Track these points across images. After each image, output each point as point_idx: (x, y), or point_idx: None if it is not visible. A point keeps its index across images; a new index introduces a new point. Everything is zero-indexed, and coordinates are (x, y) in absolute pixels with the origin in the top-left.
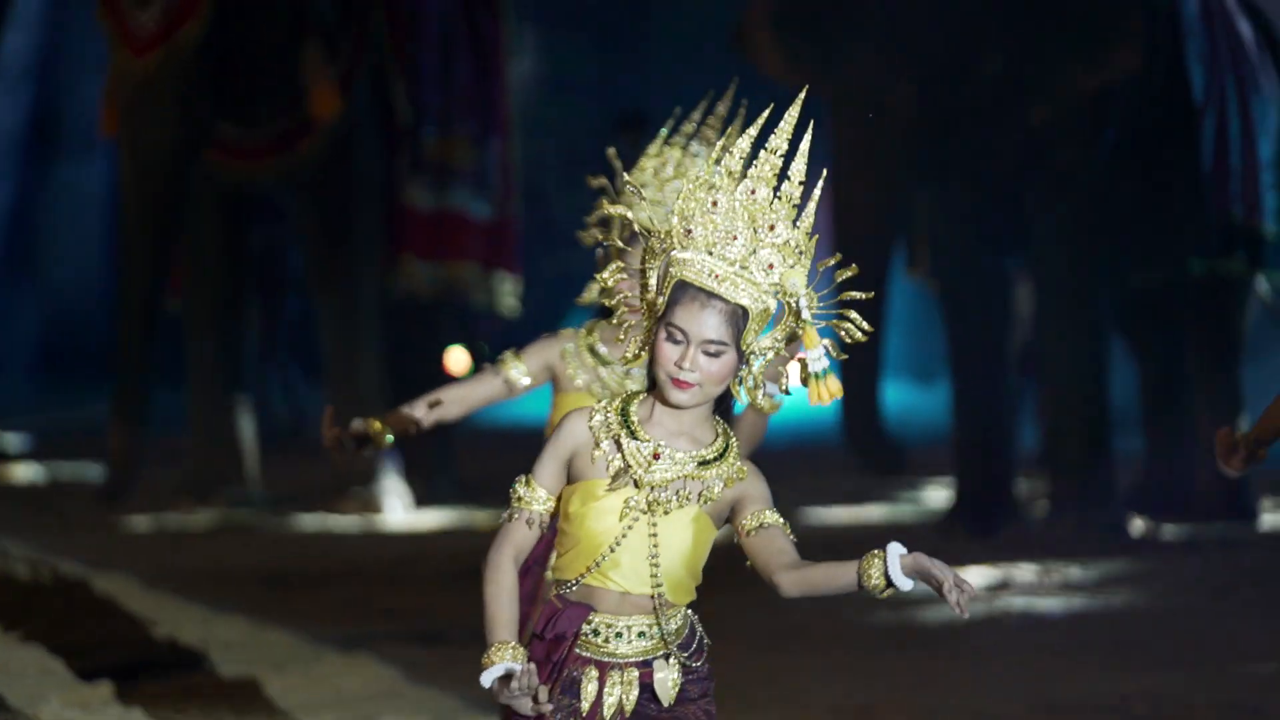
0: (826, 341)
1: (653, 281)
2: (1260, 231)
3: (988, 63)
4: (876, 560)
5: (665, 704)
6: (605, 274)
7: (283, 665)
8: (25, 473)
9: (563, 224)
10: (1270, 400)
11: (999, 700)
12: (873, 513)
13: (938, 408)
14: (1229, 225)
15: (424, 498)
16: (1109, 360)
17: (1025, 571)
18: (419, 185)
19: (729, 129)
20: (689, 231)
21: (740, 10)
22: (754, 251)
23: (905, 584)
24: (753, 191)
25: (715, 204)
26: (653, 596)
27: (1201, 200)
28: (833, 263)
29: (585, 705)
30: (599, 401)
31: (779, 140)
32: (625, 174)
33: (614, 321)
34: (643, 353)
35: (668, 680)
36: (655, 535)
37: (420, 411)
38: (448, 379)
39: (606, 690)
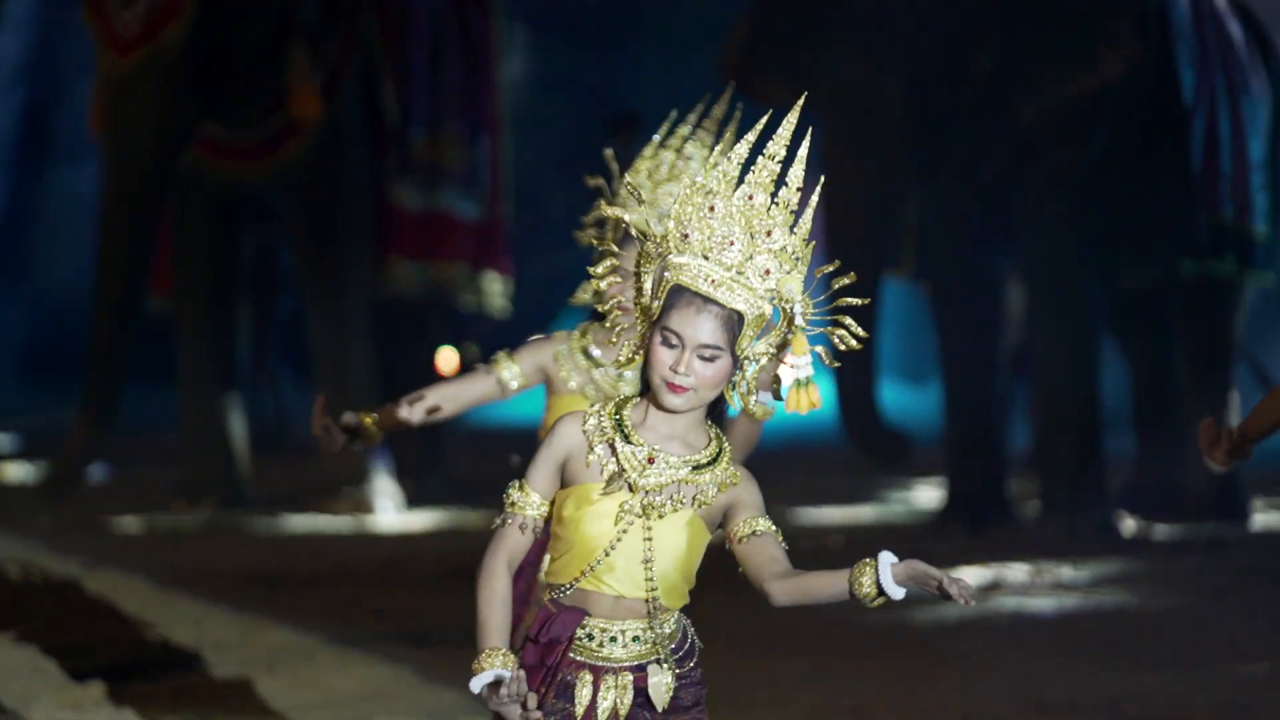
0: (819, 349)
1: (648, 285)
2: (1250, 232)
3: (977, 63)
4: (868, 569)
5: (659, 708)
6: (599, 271)
7: (274, 666)
8: (17, 473)
9: (555, 224)
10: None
11: (990, 701)
12: (865, 513)
13: (930, 408)
14: (1219, 226)
15: (415, 498)
16: (1100, 360)
17: (1017, 571)
18: (407, 185)
19: (725, 132)
20: (686, 236)
21: (732, 11)
22: (751, 257)
23: (897, 592)
24: (750, 197)
25: (713, 209)
26: (647, 600)
27: (1192, 201)
28: (830, 269)
29: (579, 710)
30: (592, 405)
31: (777, 146)
32: (622, 175)
33: (607, 324)
34: (637, 356)
35: (661, 684)
36: (650, 539)
37: (412, 409)
38: (438, 379)
39: (601, 695)
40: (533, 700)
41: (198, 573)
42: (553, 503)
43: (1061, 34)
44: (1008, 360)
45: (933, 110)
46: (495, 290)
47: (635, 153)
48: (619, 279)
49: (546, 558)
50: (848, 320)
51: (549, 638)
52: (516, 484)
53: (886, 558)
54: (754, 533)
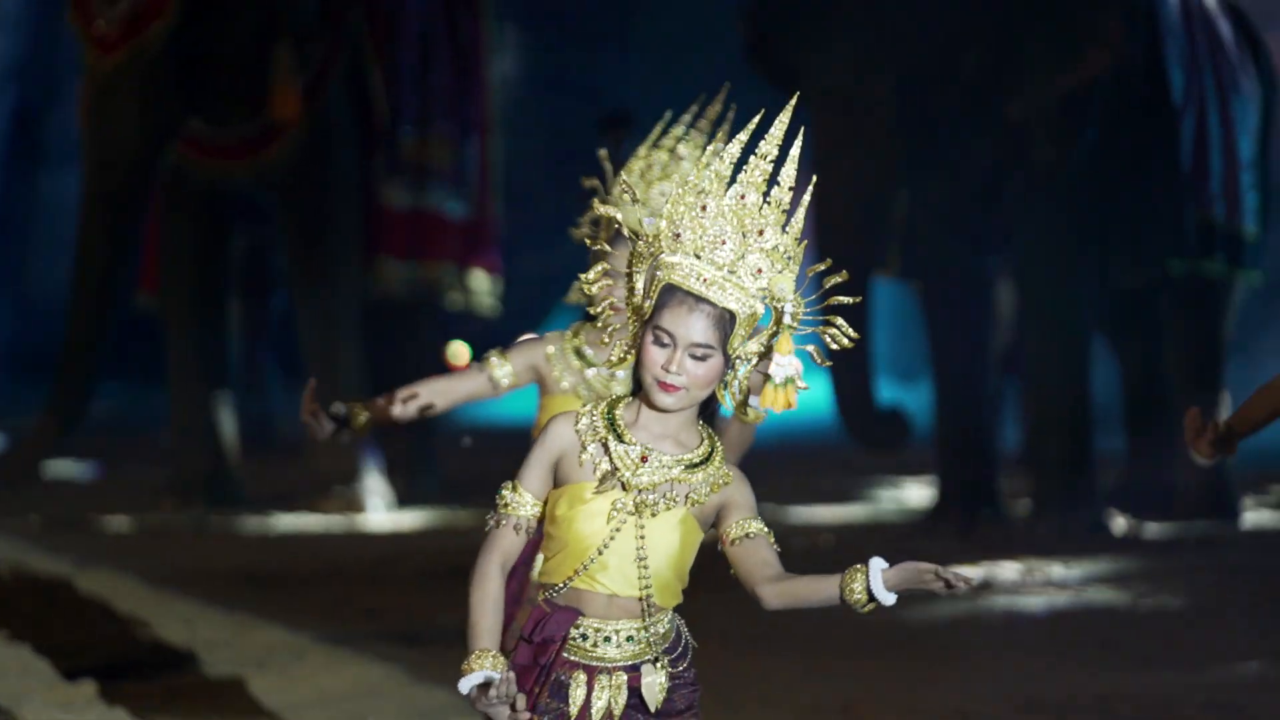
0: (811, 348)
1: (640, 284)
2: (1240, 231)
3: (967, 62)
4: (859, 574)
5: (652, 708)
6: (590, 276)
7: (266, 664)
8: None
9: (548, 223)
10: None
11: (981, 699)
12: (856, 512)
13: (920, 407)
14: (1210, 225)
15: (406, 497)
16: (1091, 359)
17: (1008, 570)
18: (396, 185)
19: (718, 132)
20: (678, 235)
21: (722, 11)
22: (742, 256)
23: (888, 598)
24: (742, 196)
25: (705, 208)
26: (641, 599)
27: (1182, 200)
28: (822, 268)
29: (574, 709)
30: (584, 405)
31: (769, 146)
32: (615, 175)
33: (599, 324)
34: (628, 355)
35: (655, 684)
36: (643, 537)
37: (405, 405)
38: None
39: (595, 694)
40: (521, 702)
41: (189, 571)
42: (546, 503)
43: (1049, 32)
44: (998, 359)
45: (923, 110)
46: (483, 289)
47: (627, 152)
48: (610, 280)
49: (539, 558)
50: (839, 320)
51: (543, 637)
52: (509, 484)
53: (877, 564)
54: (747, 535)
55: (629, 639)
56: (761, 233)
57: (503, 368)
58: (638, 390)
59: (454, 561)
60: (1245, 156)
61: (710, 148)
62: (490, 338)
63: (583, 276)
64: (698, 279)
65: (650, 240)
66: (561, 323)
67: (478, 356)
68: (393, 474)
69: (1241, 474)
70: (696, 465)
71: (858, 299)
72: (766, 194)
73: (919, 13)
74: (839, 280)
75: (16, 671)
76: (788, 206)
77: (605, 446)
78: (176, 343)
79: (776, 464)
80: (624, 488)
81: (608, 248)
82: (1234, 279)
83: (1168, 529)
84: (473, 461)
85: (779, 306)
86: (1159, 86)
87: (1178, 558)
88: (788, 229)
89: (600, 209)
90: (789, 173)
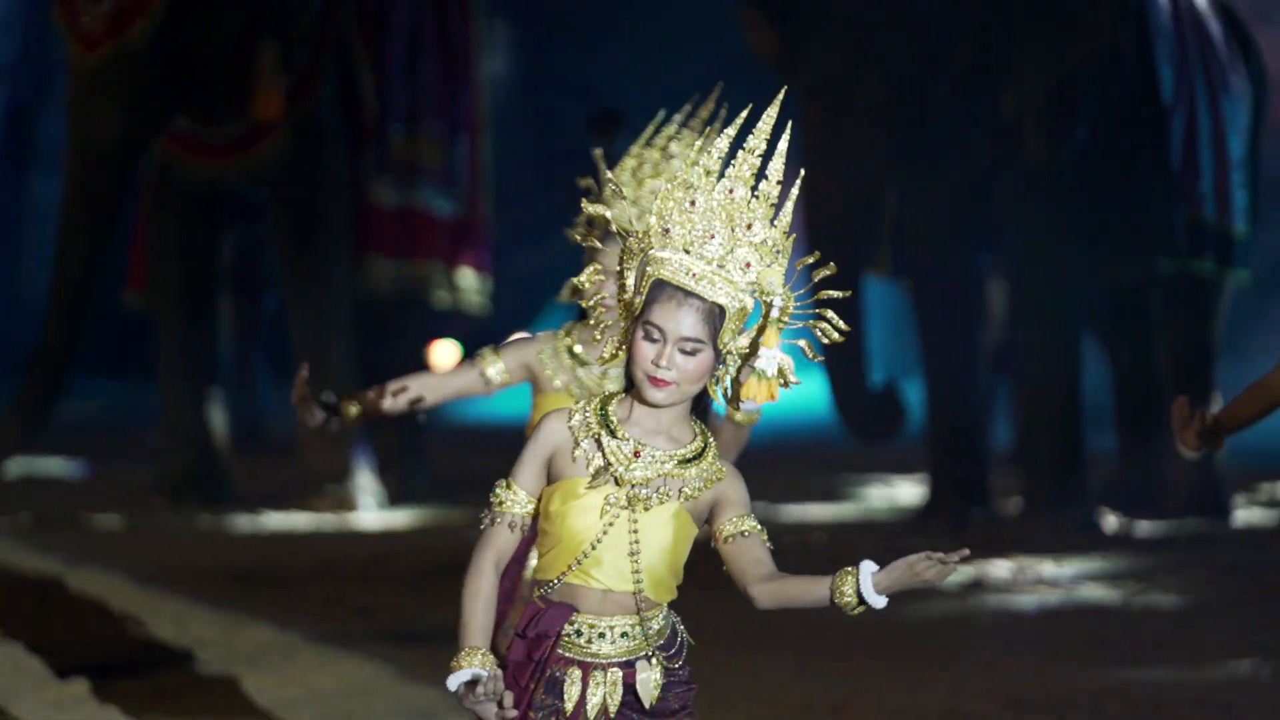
0: (802, 342)
1: (630, 281)
2: (1230, 231)
3: (958, 58)
4: (849, 577)
5: (647, 704)
6: (582, 274)
7: (257, 663)
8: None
9: (539, 221)
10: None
11: (972, 697)
12: (848, 510)
13: (912, 405)
14: (1199, 224)
15: (397, 496)
16: (1082, 358)
17: (999, 568)
18: (384, 183)
19: (708, 130)
20: (667, 230)
21: (713, 8)
22: (731, 250)
23: (878, 601)
24: (731, 191)
25: (693, 203)
26: (634, 594)
27: (1172, 199)
28: (811, 261)
29: (569, 706)
30: (577, 402)
31: (757, 140)
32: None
33: (591, 322)
34: (620, 352)
35: (650, 681)
36: (636, 531)
37: (395, 398)
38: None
39: (590, 691)
40: (509, 699)
41: (181, 570)
42: (540, 499)
43: (1040, 29)
44: (989, 358)
45: (913, 108)
46: (471, 288)
47: (619, 150)
48: (602, 278)
49: (533, 554)
50: (829, 313)
51: (537, 632)
52: (503, 482)
53: (868, 566)
54: (740, 533)
55: (624, 635)
56: (750, 226)
57: (495, 365)
58: (630, 387)
59: (445, 560)
60: (1235, 156)
61: (698, 144)
62: (480, 336)
63: (576, 280)
64: (687, 274)
65: (640, 237)
66: (553, 321)
67: (469, 354)
68: (384, 472)
69: (1232, 472)
70: (690, 460)
71: (847, 293)
72: (755, 188)
73: (909, 9)
74: (828, 274)
75: (8, 670)
76: (776, 200)
77: (598, 442)
78: (165, 341)
79: (769, 462)
80: (617, 483)
81: (599, 245)
82: (1224, 278)
83: (1159, 527)
84: (464, 460)
85: (768, 300)
86: (1149, 86)
87: (1169, 556)
88: (776, 223)
89: (591, 208)
90: (777, 167)
